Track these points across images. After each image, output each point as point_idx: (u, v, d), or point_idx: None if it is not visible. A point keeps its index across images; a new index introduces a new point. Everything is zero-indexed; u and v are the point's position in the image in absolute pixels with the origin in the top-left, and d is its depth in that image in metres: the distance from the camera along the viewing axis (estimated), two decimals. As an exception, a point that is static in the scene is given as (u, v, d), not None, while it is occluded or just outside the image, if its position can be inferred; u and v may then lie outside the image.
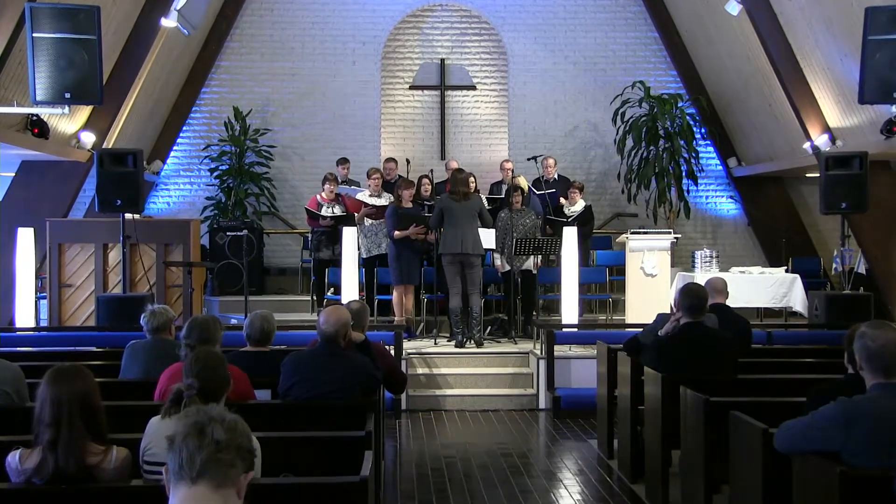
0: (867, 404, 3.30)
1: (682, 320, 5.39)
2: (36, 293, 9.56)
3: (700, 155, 12.51)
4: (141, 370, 5.29)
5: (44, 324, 9.61)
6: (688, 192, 12.27)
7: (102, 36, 7.65)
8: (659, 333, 5.67)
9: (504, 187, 11.05)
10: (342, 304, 5.69)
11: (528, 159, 11.34)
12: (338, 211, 10.37)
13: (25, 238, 9.13)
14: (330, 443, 3.91)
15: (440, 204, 9.38)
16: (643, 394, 5.66)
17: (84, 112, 10.17)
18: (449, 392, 8.87)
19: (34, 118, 8.88)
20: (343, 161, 11.46)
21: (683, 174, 12.13)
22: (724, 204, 13.43)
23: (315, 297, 10.70)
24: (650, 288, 9.52)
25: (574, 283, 9.46)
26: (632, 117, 12.19)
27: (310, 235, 11.01)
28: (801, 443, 3.43)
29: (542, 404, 8.68)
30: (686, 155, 12.13)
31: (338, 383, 4.63)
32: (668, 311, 6.85)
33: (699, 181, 12.54)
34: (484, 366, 9.16)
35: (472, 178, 9.87)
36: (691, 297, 5.35)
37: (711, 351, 5.28)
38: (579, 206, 10.76)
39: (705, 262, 10.15)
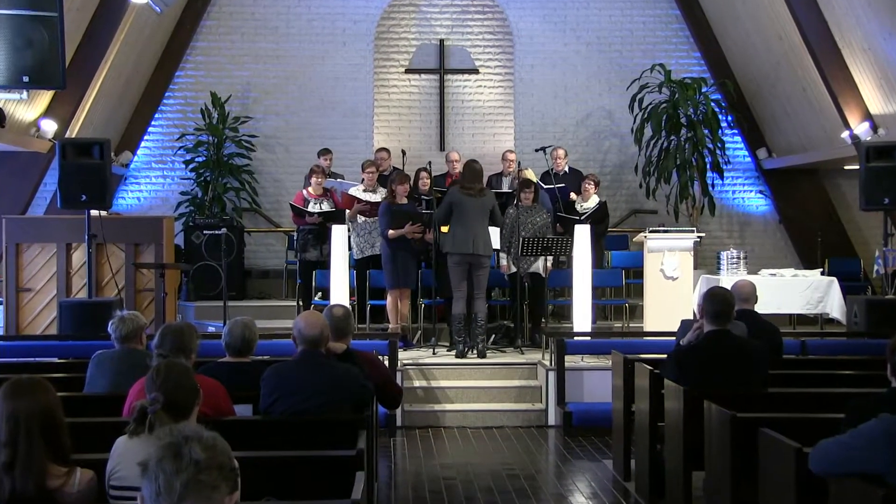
0: (913, 421, 3.29)
1: (705, 328, 5.38)
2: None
3: (726, 145, 12.51)
4: (108, 383, 5.28)
5: None
6: (712, 186, 12.27)
7: (65, 13, 7.64)
8: (680, 343, 5.66)
9: (506, 180, 11.04)
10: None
11: (536, 150, 11.34)
12: (326, 207, 10.36)
13: (-20, 237, 9.13)
14: (317, 462, 3.90)
15: (451, 198, 9.34)
16: (663, 409, 5.65)
17: (44, 97, 10.17)
18: (449, 407, 8.87)
19: (-11, 104, 8.88)
20: (325, 151, 11.46)
21: (708, 166, 12.13)
22: (753, 199, 13.44)
23: (301, 303, 10.70)
24: (671, 292, 9.51)
25: (587, 287, 9.46)
26: (651, 104, 12.19)
27: (295, 234, 11.00)
28: (839, 464, 3.42)
29: (551, 420, 8.68)
30: (711, 145, 12.13)
31: (325, 396, 4.62)
32: (692, 318, 6.84)
33: (725, 174, 12.53)
34: (487, 378, 9.16)
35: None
36: (716, 302, 5.34)
37: (739, 362, 5.27)
38: (593, 201, 10.76)
39: (732, 263, 10.15)
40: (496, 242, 9.71)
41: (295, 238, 11.04)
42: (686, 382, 5.25)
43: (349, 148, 12.53)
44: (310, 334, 4.76)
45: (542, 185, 10.76)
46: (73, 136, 10.62)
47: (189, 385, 3.56)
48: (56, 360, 7.48)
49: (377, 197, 10.19)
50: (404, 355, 9.25)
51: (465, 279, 9.31)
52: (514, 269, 9.96)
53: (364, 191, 10.30)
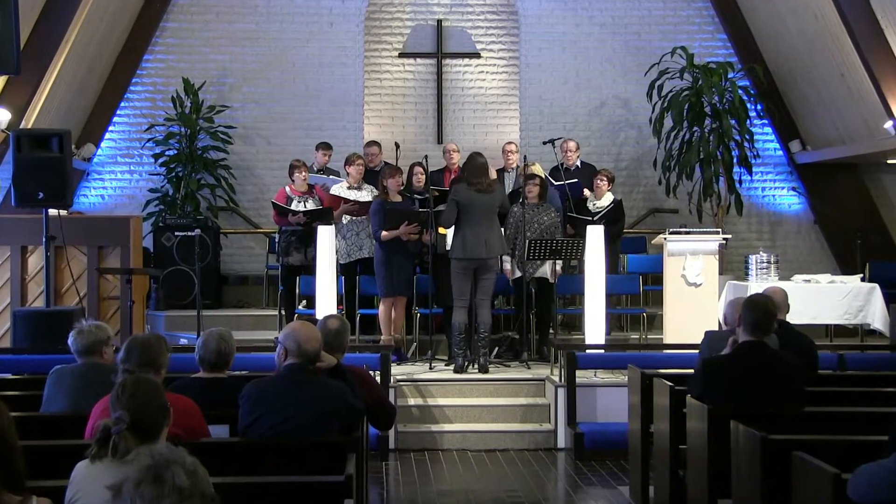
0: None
1: (740, 338, 5.36)
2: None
3: (755, 137, 12.52)
4: (68, 401, 5.27)
5: (-52, 345, 9.59)
6: (740, 182, 12.28)
7: (21, -10, 7.64)
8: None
9: (508, 177, 11.05)
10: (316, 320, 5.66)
11: (545, 143, 11.34)
12: (311, 205, 10.36)
13: (-74, 239, 9.12)
14: (302, 489, 3.90)
15: (457, 196, 9.33)
16: (685, 430, 5.65)
17: (-2, 84, 10.17)
18: (447, 427, 8.87)
19: (-64, 91, 8.88)
20: (325, 146, 11.43)
21: (735, 161, 12.14)
22: (785, 197, 13.45)
23: (283, 312, 10.70)
24: (693, 300, 9.50)
25: (600, 295, 9.46)
26: (671, 91, 12.20)
27: (277, 236, 11.01)
28: (882, 492, 3.41)
29: (560, 442, 8.68)
30: (738, 137, 12.14)
31: (311, 416, 4.62)
32: (718, 329, 6.85)
33: (754, 169, 12.54)
34: (490, 395, 9.16)
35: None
36: (758, 311, 5.30)
37: (774, 377, 5.25)
38: (606, 200, 10.77)
39: (762, 268, 10.15)
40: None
41: (277, 240, 11.04)
42: (713, 398, 5.24)
43: (337, 140, 12.50)
44: (310, 349, 4.76)
45: (552, 181, 10.75)
46: (29, 126, 10.61)
47: (158, 403, 3.56)
48: (9, 375, 7.47)
49: (363, 194, 10.17)
50: (398, 370, 9.25)
51: (469, 286, 9.31)
52: (518, 274, 9.95)
53: (348, 188, 10.27)
